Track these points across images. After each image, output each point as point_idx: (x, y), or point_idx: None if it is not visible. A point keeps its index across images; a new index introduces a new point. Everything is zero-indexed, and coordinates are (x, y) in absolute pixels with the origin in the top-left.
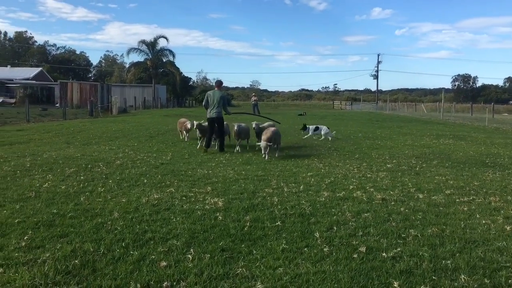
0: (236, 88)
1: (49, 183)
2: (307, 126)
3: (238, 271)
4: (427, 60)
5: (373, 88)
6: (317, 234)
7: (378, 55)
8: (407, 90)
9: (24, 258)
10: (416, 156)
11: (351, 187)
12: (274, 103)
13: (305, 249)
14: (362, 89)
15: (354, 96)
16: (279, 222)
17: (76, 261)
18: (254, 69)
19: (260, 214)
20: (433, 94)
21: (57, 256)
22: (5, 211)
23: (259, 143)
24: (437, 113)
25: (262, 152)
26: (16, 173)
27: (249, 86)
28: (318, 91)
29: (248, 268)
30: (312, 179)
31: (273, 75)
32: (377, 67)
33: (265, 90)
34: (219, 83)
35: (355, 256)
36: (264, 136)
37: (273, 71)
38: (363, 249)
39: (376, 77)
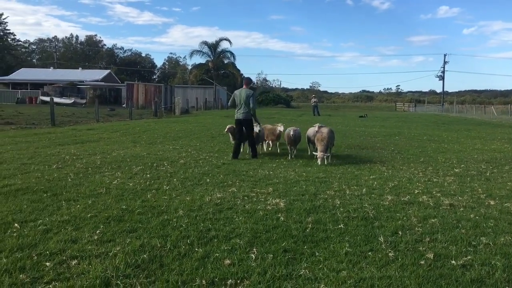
0: (296, 89)
1: (118, 180)
2: None
3: (301, 272)
4: (498, 60)
5: (439, 90)
6: (381, 239)
7: (445, 55)
8: (475, 91)
9: (96, 251)
10: (486, 161)
11: (416, 191)
12: (334, 104)
13: (369, 253)
14: (427, 90)
15: (418, 97)
16: (341, 225)
17: (145, 256)
18: (314, 70)
19: (322, 216)
20: (503, 96)
21: (127, 250)
22: (78, 206)
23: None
24: (509, 116)
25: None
26: (88, 170)
27: (308, 87)
28: (380, 93)
29: (311, 270)
30: (375, 182)
31: (333, 76)
32: (443, 67)
33: (325, 92)
34: (247, 80)
35: (422, 262)
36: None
37: (333, 72)
38: (430, 255)
39: (442, 78)
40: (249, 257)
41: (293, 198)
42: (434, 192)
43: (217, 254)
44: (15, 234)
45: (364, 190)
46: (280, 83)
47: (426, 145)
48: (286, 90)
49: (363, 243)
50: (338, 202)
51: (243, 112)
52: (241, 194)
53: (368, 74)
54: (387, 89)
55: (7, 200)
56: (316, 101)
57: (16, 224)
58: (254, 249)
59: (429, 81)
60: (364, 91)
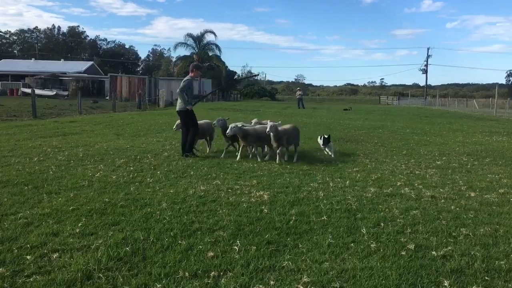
0: (281, 82)
1: (101, 173)
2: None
3: (284, 264)
4: (480, 54)
5: (422, 83)
6: (363, 230)
7: (428, 49)
8: (457, 85)
9: (78, 244)
10: (468, 154)
11: (398, 183)
12: (319, 97)
13: (352, 244)
14: (410, 84)
15: (401, 91)
16: (325, 217)
17: (127, 249)
18: (299, 63)
19: (305, 208)
20: (485, 90)
21: (109, 243)
22: (60, 199)
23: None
24: (490, 109)
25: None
26: (70, 162)
27: (293, 80)
28: (364, 86)
29: (294, 262)
30: (358, 175)
31: (318, 69)
32: (427, 61)
33: (310, 85)
34: (191, 67)
35: (404, 253)
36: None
37: (318, 65)
38: (411, 246)
39: (425, 71)
40: (233, 249)
41: (277, 190)
42: (416, 184)
43: (201, 247)
44: None
45: (347, 182)
46: (265, 76)
47: (409, 138)
48: (271, 83)
49: (346, 234)
50: (322, 194)
51: (178, 103)
52: (225, 187)
53: (353, 67)
54: (372, 82)
55: None
56: (301, 94)
57: None
58: (238, 241)
59: (412, 75)
60: (348, 84)
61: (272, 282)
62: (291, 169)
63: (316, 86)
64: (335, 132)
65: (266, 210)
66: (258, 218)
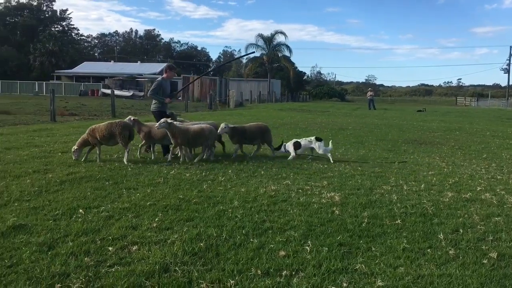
0: (351, 83)
1: (175, 171)
2: (284, 143)
3: (357, 267)
4: None
5: (504, 83)
6: (441, 236)
7: (511, 47)
8: None
9: (155, 238)
10: None
11: (478, 188)
12: (391, 98)
13: (428, 250)
14: (491, 84)
15: (480, 91)
16: (399, 221)
17: (201, 244)
18: (370, 63)
19: (378, 211)
20: None
21: (184, 238)
22: (138, 194)
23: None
24: None
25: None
26: (146, 160)
27: (364, 81)
28: (439, 86)
29: (367, 265)
30: (434, 178)
31: (390, 70)
32: (509, 60)
33: (381, 85)
34: (165, 68)
35: (485, 261)
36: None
37: (390, 65)
38: (494, 255)
39: (507, 71)
40: (304, 249)
41: (348, 192)
42: (498, 190)
43: (272, 245)
44: (80, 220)
45: (422, 186)
46: (335, 77)
47: (489, 141)
48: (340, 83)
49: (422, 239)
50: (395, 198)
51: (152, 103)
52: (295, 187)
53: (427, 67)
54: (448, 82)
55: (72, 187)
56: (372, 95)
57: (80, 210)
58: (309, 242)
59: (493, 74)
60: (422, 84)
61: (345, 285)
62: (363, 171)
63: (388, 86)
64: (408, 134)
65: (337, 212)
66: (329, 219)
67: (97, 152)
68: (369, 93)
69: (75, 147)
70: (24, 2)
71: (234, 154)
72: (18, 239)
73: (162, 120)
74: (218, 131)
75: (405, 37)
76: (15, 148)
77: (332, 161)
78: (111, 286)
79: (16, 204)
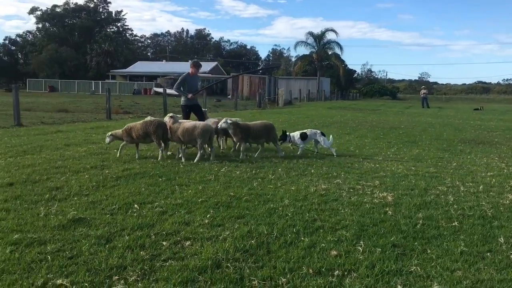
0: (403, 80)
1: (226, 168)
2: (287, 133)
3: (412, 269)
4: None
5: None
6: (501, 239)
7: None
8: None
9: (207, 234)
10: None
11: None
12: (445, 96)
13: (488, 254)
14: None
15: None
16: (456, 223)
17: (252, 242)
18: (423, 60)
19: (433, 212)
20: None
21: (235, 235)
22: (190, 191)
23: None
24: None
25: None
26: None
27: (417, 78)
28: (498, 84)
29: (422, 267)
30: (493, 180)
31: (445, 67)
32: None
33: (435, 83)
34: (190, 64)
35: None
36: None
37: (445, 62)
38: None
39: None
40: (356, 249)
41: (402, 192)
42: None
43: (323, 245)
44: (135, 214)
45: (481, 187)
46: (386, 74)
47: None
48: (392, 81)
49: (481, 243)
50: (452, 199)
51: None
52: (346, 186)
53: (485, 63)
54: (507, 80)
55: (128, 183)
56: (425, 93)
57: (136, 205)
58: (361, 242)
59: None
60: (479, 82)
61: (399, 287)
62: (417, 171)
63: (442, 84)
64: (464, 133)
65: (390, 212)
66: (382, 220)
67: (136, 149)
68: (422, 91)
69: (110, 133)
70: (82, 4)
71: (242, 155)
72: (78, 232)
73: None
74: (218, 126)
75: (461, 32)
76: (74, 145)
77: (335, 155)
78: (165, 280)
79: (75, 198)
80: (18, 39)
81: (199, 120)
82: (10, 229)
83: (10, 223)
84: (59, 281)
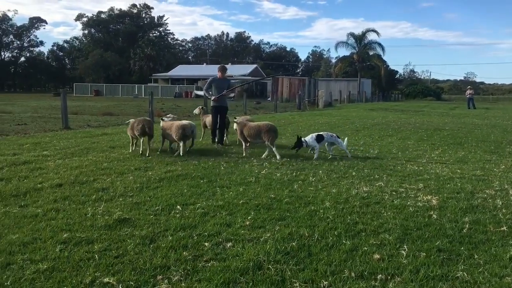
0: (447, 80)
1: (266, 170)
2: (303, 139)
3: (458, 275)
4: None
5: None
6: None
7: None
8: None
9: (248, 235)
10: None
11: None
12: (492, 96)
13: None
14: None
15: None
16: (505, 227)
17: (294, 244)
18: (469, 59)
19: (480, 216)
20: None
21: (276, 237)
22: (231, 193)
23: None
24: None
25: None
26: (238, 160)
27: (462, 78)
28: None
29: (469, 273)
30: None
31: (492, 66)
32: None
33: (482, 83)
34: (218, 68)
35: None
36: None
37: (492, 61)
38: None
39: None
40: (400, 253)
41: (447, 195)
42: None
43: (366, 248)
44: (178, 215)
45: None
46: (430, 74)
47: None
48: (436, 81)
49: None
50: (500, 203)
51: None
52: (389, 189)
53: None
54: None
55: (170, 184)
56: (471, 93)
57: (178, 206)
58: (405, 246)
59: None
60: None
61: None
62: (462, 174)
63: (489, 84)
64: None
65: (435, 216)
66: (426, 224)
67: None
68: (468, 91)
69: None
70: (126, 10)
71: (245, 152)
72: (123, 232)
73: None
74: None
75: (509, 30)
76: (118, 147)
77: (350, 156)
78: (208, 280)
79: (120, 199)
80: (65, 45)
81: (219, 123)
82: (60, 228)
83: (59, 223)
84: (106, 279)
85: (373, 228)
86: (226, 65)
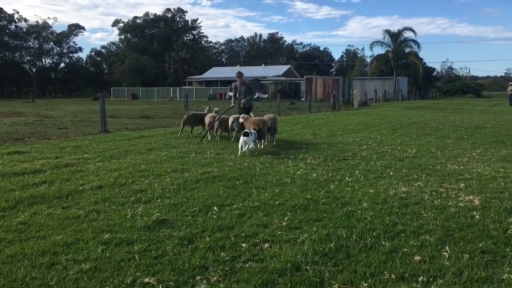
0: (487, 77)
1: (302, 171)
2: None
3: (504, 277)
4: None
5: None
6: None
7: None
8: None
9: (285, 236)
10: None
11: None
12: None
13: None
14: None
15: None
16: None
17: (331, 245)
18: (511, 55)
19: None
20: None
21: (313, 238)
22: (267, 194)
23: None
24: None
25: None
26: (273, 160)
27: (503, 74)
28: None
29: None
30: None
31: None
32: None
33: None
34: (236, 74)
35: None
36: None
37: None
38: None
39: None
40: (442, 255)
41: (490, 195)
42: None
43: (406, 249)
44: (215, 216)
45: None
46: (469, 71)
47: None
48: (475, 78)
49: None
50: None
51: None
52: (428, 189)
53: None
54: None
55: (206, 186)
56: None
57: (215, 207)
58: (447, 247)
59: None
60: None
61: None
62: (506, 173)
63: None
64: None
65: (477, 216)
66: (468, 225)
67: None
68: (509, 88)
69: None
70: (160, 14)
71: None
72: (162, 233)
73: None
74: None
75: None
76: (155, 149)
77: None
78: (246, 281)
79: (158, 200)
80: (103, 50)
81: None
82: (101, 229)
83: (100, 224)
84: (146, 280)
85: (413, 229)
86: (260, 66)
